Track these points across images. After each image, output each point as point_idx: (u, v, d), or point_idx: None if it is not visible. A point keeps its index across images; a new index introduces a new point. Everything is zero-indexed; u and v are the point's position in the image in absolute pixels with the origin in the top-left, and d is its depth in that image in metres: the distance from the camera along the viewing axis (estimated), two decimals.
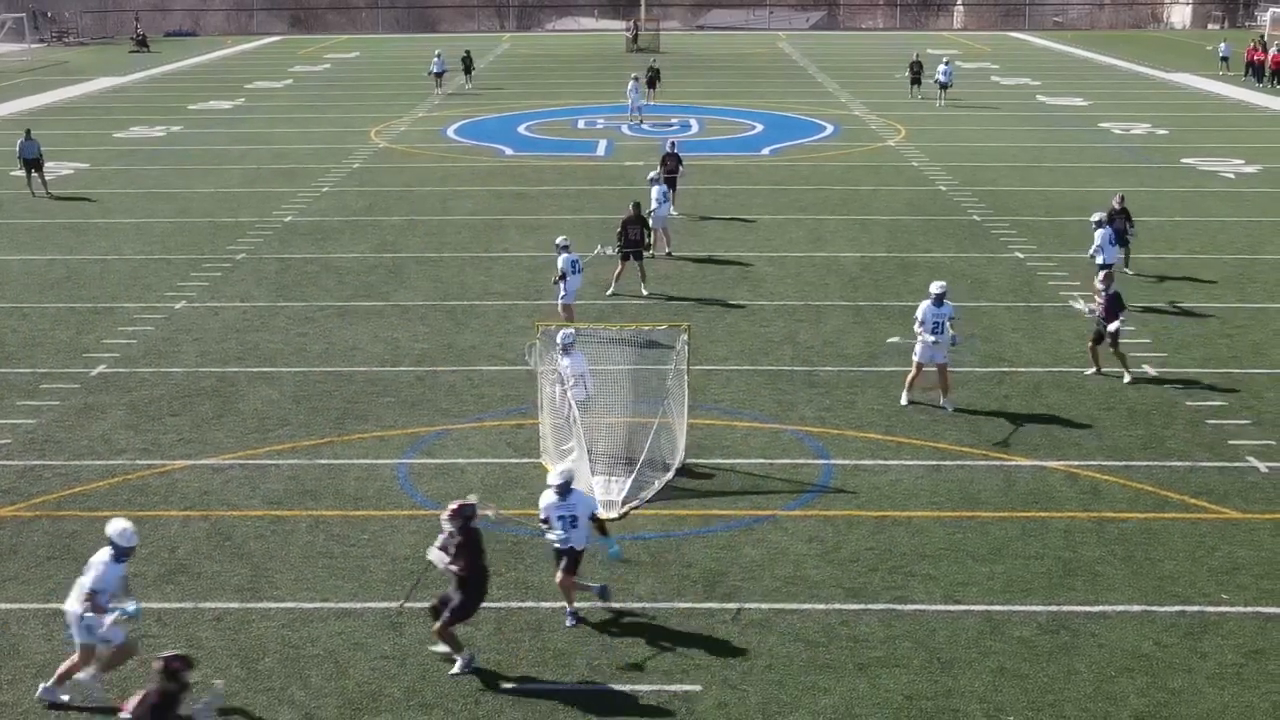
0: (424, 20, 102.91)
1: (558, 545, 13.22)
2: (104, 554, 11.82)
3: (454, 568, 12.38)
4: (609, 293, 24.41)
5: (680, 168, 30.81)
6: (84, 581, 11.73)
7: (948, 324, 18.92)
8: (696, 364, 18.89)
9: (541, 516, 13.28)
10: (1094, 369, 20.34)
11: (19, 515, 15.80)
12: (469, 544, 12.40)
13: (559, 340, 17.20)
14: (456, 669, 12.41)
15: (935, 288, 19.10)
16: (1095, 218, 24.38)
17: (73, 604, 11.84)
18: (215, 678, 11.92)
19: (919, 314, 18.98)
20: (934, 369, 18.97)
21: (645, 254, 24.89)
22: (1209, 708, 11.82)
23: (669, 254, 27.42)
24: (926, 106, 50.67)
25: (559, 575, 13.24)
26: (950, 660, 12.54)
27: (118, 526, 11.84)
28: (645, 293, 24.53)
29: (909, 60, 53.96)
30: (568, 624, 13.24)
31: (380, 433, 18.23)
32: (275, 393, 19.88)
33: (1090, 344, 20.43)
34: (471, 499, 12.78)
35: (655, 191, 27.41)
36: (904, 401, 19.08)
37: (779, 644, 12.85)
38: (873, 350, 21.38)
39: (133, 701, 10.32)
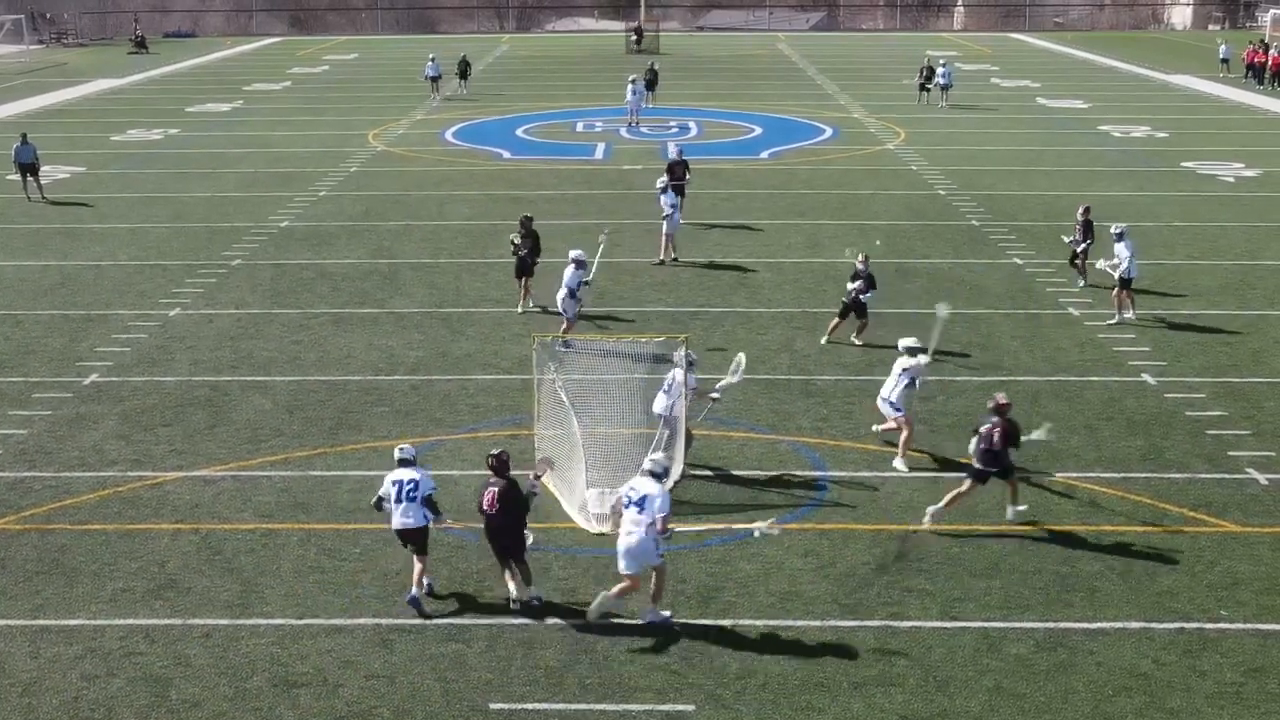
0: (424, 21, 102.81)
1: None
2: (650, 483, 13.34)
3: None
4: (519, 311, 23.98)
5: (688, 175, 30.56)
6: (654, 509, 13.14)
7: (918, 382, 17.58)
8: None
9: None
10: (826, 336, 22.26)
11: (8, 528, 15.67)
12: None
13: (678, 359, 16.86)
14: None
15: (905, 344, 17.67)
16: (1115, 230, 23.77)
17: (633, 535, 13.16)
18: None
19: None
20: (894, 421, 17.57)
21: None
22: None
23: (675, 259, 27.20)
24: (925, 109, 50.53)
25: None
26: (946, 679, 12.41)
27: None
28: (521, 310, 24.07)
29: (919, 65, 53.21)
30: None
31: (374, 443, 18.08)
32: (268, 402, 19.76)
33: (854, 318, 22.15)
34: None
35: (664, 200, 27.11)
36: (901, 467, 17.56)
37: (773, 662, 12.72)
38: (870, 359, 21.24)
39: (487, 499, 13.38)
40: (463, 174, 37.89)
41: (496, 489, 13.39)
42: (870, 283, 21.90)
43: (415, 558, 13.75)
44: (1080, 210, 25.46)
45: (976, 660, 12.72)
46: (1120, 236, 23.41)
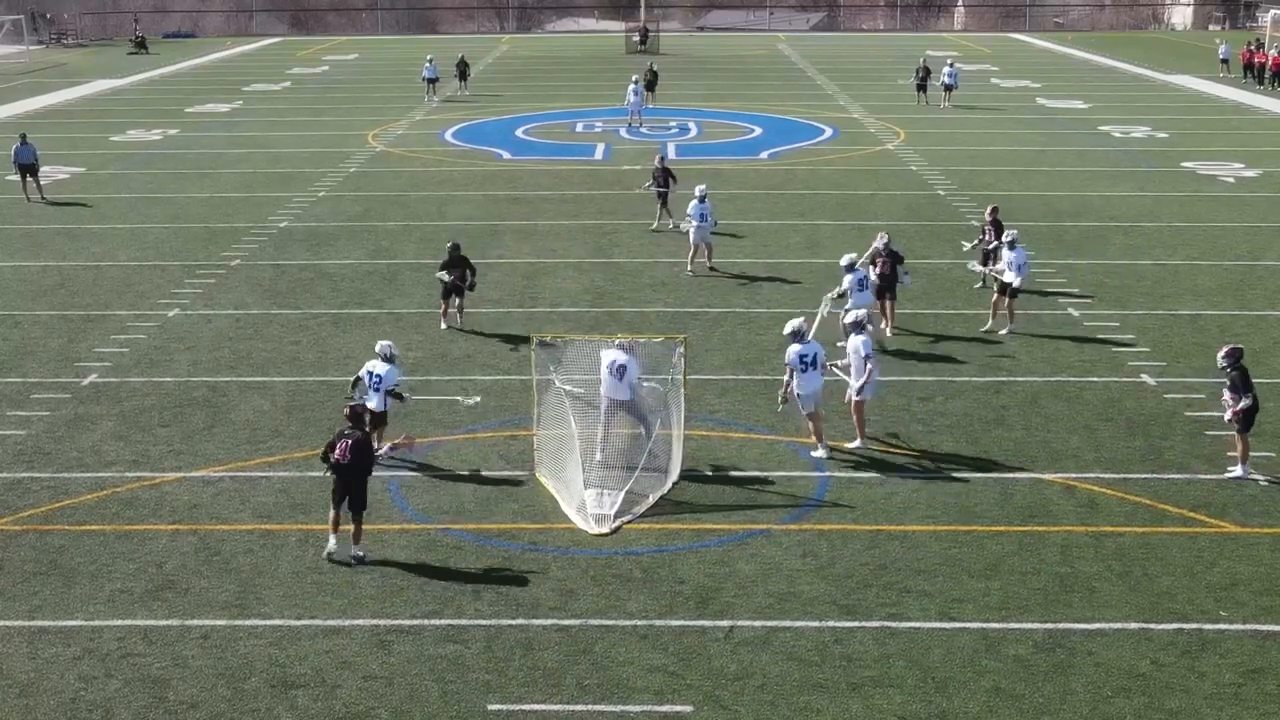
0: (423, 21, 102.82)
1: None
2: (805, 346, 17.24)
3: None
4: (443, 327, 23.10)
5: (672, 181, 30.28)
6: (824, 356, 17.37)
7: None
8: (692, 373, 18.72)
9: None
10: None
11: (5, 529, 15.65)
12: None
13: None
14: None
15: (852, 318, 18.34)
16: (1008, 237, 22.86)
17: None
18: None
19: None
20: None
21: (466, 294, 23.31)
22: None
23: (711, 268, 26.93)
24: (926, 109, 50.50)
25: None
26: (945, 680, 12.39)
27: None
28: (446, 325, 23.08)
29: (915, 66, 53.19)
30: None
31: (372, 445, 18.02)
32: (267, 403, 19.75)
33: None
34: None
35: (692, 207, 26.68)
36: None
37: (772, 663, 12.71)
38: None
39: (340, 449, 14.46)
40: (462, 174, 37.89)
41: (350, 440, 14.59)
42: (895, 259, 22.38)
43: (377, 429, 16.98)
44: (988, 211, 25.30)
45: (975, 661, 12.71)
46: (1012, 244, 22.62)
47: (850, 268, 21.51)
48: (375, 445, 16.06)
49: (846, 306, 20.99)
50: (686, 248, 27.07)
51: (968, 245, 25.81)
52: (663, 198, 30.01)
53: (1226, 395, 16.99)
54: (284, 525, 15.69)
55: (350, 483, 14.58)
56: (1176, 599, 13.85)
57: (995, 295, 23.02)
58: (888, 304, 22.54)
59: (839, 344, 19.31)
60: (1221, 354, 17.22)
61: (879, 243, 22.75)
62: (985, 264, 25.00)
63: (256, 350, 22.21)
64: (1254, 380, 20.33)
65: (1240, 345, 17.55)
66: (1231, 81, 58.89)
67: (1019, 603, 13.79)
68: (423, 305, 24.66)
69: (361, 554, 14.79)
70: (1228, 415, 16.86)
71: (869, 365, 17.68)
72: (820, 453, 17.52)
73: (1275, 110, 50.66)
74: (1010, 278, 22.48)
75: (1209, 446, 17.83)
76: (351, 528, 14.72)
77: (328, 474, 14.75)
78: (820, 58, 71.87)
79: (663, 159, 31.02)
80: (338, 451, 14.56)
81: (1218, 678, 12.40)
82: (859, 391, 17.70)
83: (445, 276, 23.07)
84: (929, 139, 43.21)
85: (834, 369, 17.97)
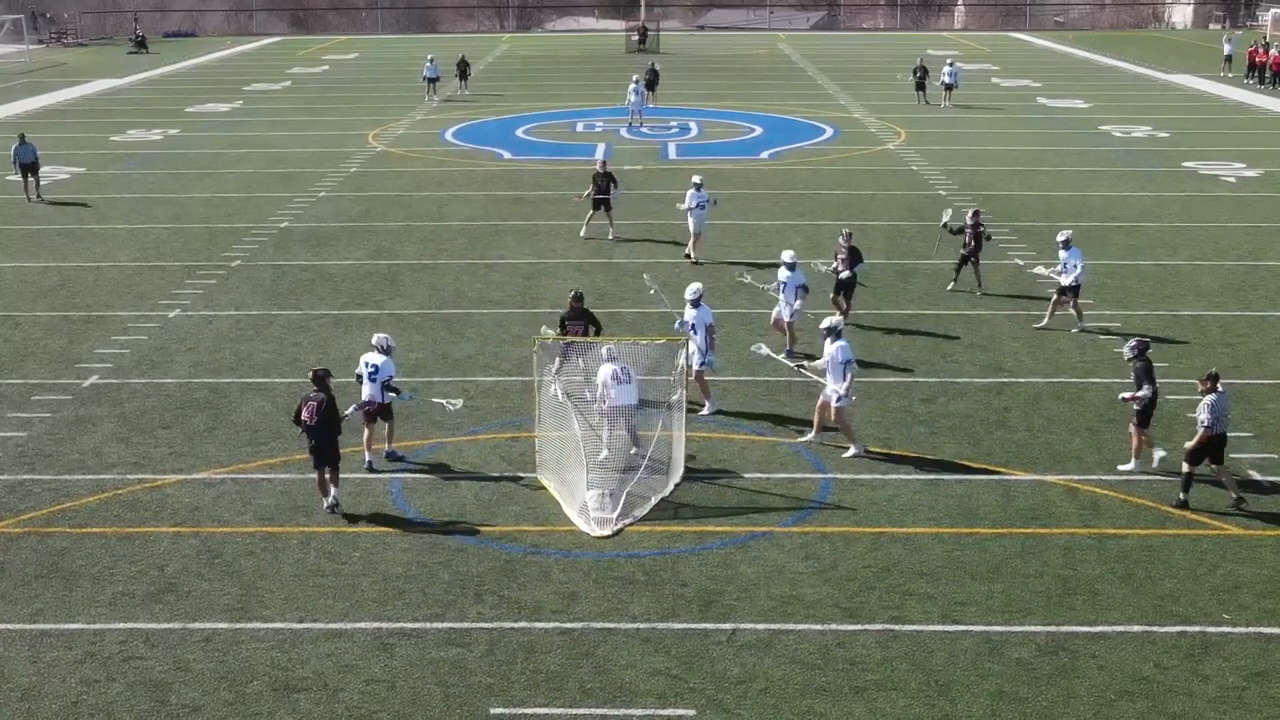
0: (424, 21, 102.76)
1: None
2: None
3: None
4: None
5: (614, 187, 29.58)
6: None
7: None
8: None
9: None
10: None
11: (6, 532, 15.63)
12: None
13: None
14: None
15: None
16: (1061, 237, 23.17)
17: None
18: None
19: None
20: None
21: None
22: None
23: (697, 260, 27.18)
24: (926, 109, 50.47)
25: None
26: (948, 683, 12.37)
27: None
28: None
29: (913, 66, 53.26)
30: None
31: (375, 446, 17.98)
32: (268, 404, 19.72)
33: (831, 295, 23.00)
34: None
35: (689, 195, 27.02)
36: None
37: (775, 666, 12.69)
38: (871, 362, 21.18)
39: (308, 411, 15.44)
40: (462, 174, 37.86)
41: (316, 402, 15.61)
42: (855, 256, 22.99)
43: (380, 421, 17.28)
44: (969, 215, 25.28)
45: (978, 664, 12.69)
46: (1066, 244, 22.64)
47: (792, 267, 21.36)
48: (387, 445, 17.53)
49: (795, 309, 20.99)
50: (686, 237, 27.18)
51: (947, 217, 25.74)
52: (604, 204, 29.55)
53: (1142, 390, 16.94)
54: (285, 527, 15.67)
55: (321, 441, 15.68)
56: (1179, 602, 13.83)
57: (1070, 299, 22.84)
58: (844, 300, 23.09)
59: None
60: (1129, 345, 17.25)
61: (841, 239, 23.23)
62: (973, 266, 24.98)
63: (257, 351, 22.18)
64: (1255, 381, 20.44)
65: (1147, 339, 17.56)
66: (1233, 81, 58.85)
67: (1022, 605, 13.77)
68: (424, 306, 24.64)
69: (336, 502, 16.02)
70: (1124, 396, 17.11)
71: (848, 372, 17.46)
72: (707, 409, 18.93)
73: (1276, 110, 50.61)
74: (1065, 279, 22.56)
75: None
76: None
77: (300, 434, 15.92)
78: (821, 57, 71.83)
79: (604, 163, 30.32)
80: (305, 413, 15.63)
81: (1221, 681, 12.39)
82: (839, 399, 17.52)
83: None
84: (930, 139, 43.18)
85: (802, 370, 18.73)
